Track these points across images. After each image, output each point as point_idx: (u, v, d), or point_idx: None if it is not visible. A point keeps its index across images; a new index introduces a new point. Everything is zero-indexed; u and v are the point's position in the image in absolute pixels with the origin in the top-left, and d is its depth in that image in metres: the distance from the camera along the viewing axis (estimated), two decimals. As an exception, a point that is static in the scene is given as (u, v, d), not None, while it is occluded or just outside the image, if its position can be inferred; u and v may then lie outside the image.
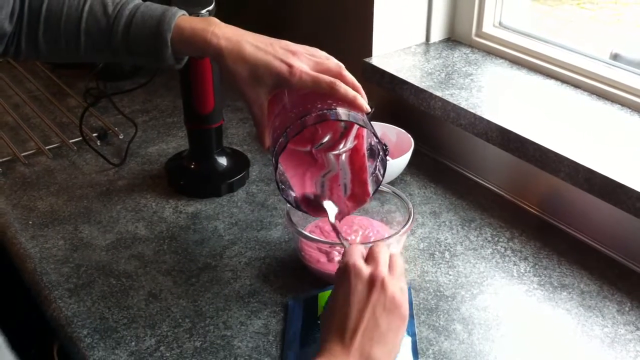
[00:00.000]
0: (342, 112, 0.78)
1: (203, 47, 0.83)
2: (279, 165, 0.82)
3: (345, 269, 0.72)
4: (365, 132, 0.82)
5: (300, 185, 0.85)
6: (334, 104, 0.79)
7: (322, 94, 0.80)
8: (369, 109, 0.81)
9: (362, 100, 0.80)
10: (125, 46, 0.86)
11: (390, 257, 0.75)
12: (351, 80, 0.83)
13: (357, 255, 0.74)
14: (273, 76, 0.81)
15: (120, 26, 0.85)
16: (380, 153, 0.82)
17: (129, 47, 0.86)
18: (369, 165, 0.84)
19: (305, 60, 0.82)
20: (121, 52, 0.87)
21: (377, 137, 0.79)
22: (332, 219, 0.84)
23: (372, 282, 0.70)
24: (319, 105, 0.79)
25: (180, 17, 0.85)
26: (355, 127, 0.81)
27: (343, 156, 0.84)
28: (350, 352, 0.68)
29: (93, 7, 0.86)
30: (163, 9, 0.86)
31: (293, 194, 0.85)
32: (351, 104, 0.80)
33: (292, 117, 0.79)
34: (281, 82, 0.81)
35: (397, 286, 0.71)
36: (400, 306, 0.71)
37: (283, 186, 0.83)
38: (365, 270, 0.71)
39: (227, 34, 0.83)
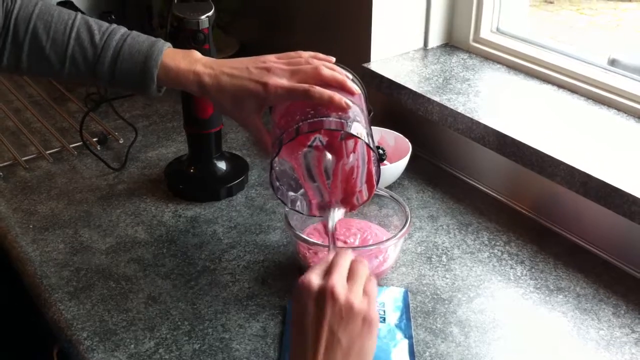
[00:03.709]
0: (310, 122, 0.78)
1: (186, 85, 0.86)
2: (289, 163, 0.83)
3: (297, 288, 0.68)
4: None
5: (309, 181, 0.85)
6: (312, 111, 0.79)
7: (303, 102, 0.81)
8: (349, 104, 0.79)
9: (339, 99, 0.78)
10: (109, 76, 0.88)
11: (351, 263, 0.70)
12: (330, 76, 0.81)
13: (312, 271, 0.69)
14: (251, 98, 0.83)
15: (107, 57, 0.87)
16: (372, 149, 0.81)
17: (113, 78, 0.88)
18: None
19: (281, 73, 0.82)
20: (105, 80, 0.88)
21: (353, 135, 0.78)
22: (331, 226, 0.83)
23: (322, 295, 0.65)
24: (297, 118, 0.79)
25: (166, 53, 0.86)
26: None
27: (358, 147, 0.83)
28: None
29: (80, 34, 0.87)
30: (150, 43, 0.87)
31: (291, 195, 0.85)
32: (329, 106, 0.79)
33: (277, 133, 0.81)
34: (261, 101, 0.83)
35: (354, 292, 0.66)
36: (360, 313, 0.66)
37: (279, 184, 0.84)
38: (315, 284, 0.66)
39: (207, 70, 0.85)
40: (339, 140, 0.83)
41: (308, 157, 0.85)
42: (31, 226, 1.05)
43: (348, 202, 0.85)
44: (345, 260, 0.70)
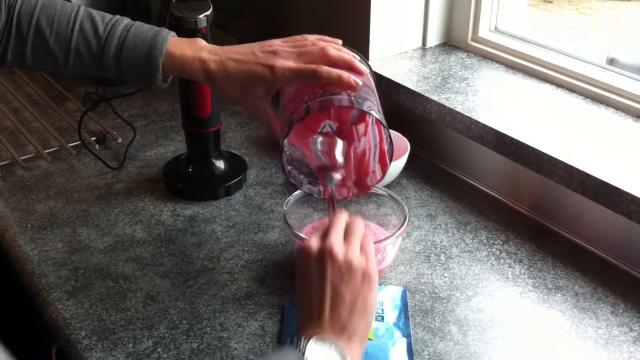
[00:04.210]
0: (320, 100, 0.77)
1: (192, 73, 0.86)
2: (299, 150, 0.83)
3: (298, 253, 0.73)
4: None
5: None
6: (320, 90, 0.79)
7: (312, 83, 0.80)
8: (359, 82, 0.78)
9: (347, 77, 0.78)
10: (115, 67, 0.87)
11: (347, 223, 0.74)
12: (337, 56, 0.81)
13: (312, 236, 0.73)
14: (259, 82, 0.82)
15: (111, 48, 0.86)
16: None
17: (119, 68, 0.87)
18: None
19: (287, 55, 0.82)
20: (110, 71, 0.88)
21: (364, 111, 0.77)
22: (330, 190, 0.83)
23: (322, 256, 0.70)
24: (306, 98, 0.78)
25: (170, 42, 0.86)
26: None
27: (369, 129, 0.82)
28: (323, 330, 0.68)
29: (83, 26, 0.87)
30: (154, 32, 0.87)
31: (302, 178, 0.85)
32: (338, 85, 0.79)
33: (287, 115, 0.80)
34: (269, 85, 0.82)
35: (351, 250, 0.70)
36: (358, 269, 0.70)
37: (290, 168, 0.83)
38: (315, 246, 0.71)
39: (212, 57, 0.84)
40: (349, 125, 0.82)
41: (318, 144, 0.84)
42: (29, 225, 1.05)
43: (362, 183, 0.85)
44: (340, 221, 0.74)
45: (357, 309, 0.69)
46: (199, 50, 0.85)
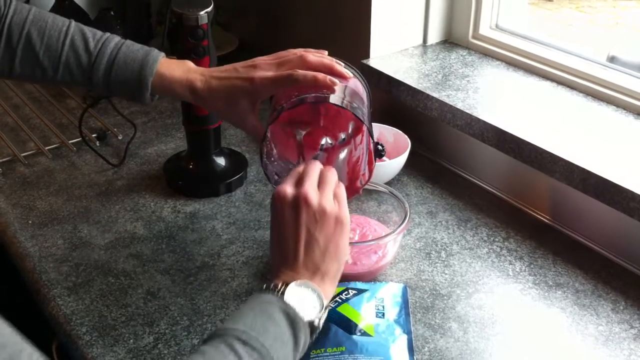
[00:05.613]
0: (292, 101, 0.79)
1: (180, 92, 0.88)
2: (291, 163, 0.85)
3: (273, 198, 0.75)
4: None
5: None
6: (296, 93, 0.80)
7: (292, 89, 0.82)
8: (335, 81, 0.80)
9: (323, 77, 0.79)
10: (104, 83, 0.88)
11: (321, 172, 0.76)
12: (317, 61, 0.82)
13: (285, 182, 0.75)
14: (241, 95, 0.84)
15: (101, 65, 0.87)
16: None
17: (108, 85, 0.88)
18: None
19: (266, 67, 0.84)
20: (99, 87, 0.89)
21: (341, 106, 0.78)
22: (299, 139, 0.86)
23: (297, 202, 0.72)
24: (282, 102, 0.80)
25: (160, 62, 0.88)
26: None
27: (364, 137, 0.84)
28: (298, 272, 0.71)
29: (74, 41, 0.87)
30: (144, 51, 0.88)
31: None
32: (315, 86, 0.80)
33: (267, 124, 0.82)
34: (251, 97, 0.84)
35: (325, 197, 0.73)
36: (332, 215, 0.73)
37: (273, 169, 0.85)
38: (290, 193, 0.73)
39: (198, 77, 0.87)
40: (346, 140, 0.84)
41: (319, 160, 0.86)
42: (30, 222, 1.05)
43: (352, 187, 0.86)
44: (314, 169, 0.76)
45: (329, 252, 0.72)
46: (187, 71, 0.88)
